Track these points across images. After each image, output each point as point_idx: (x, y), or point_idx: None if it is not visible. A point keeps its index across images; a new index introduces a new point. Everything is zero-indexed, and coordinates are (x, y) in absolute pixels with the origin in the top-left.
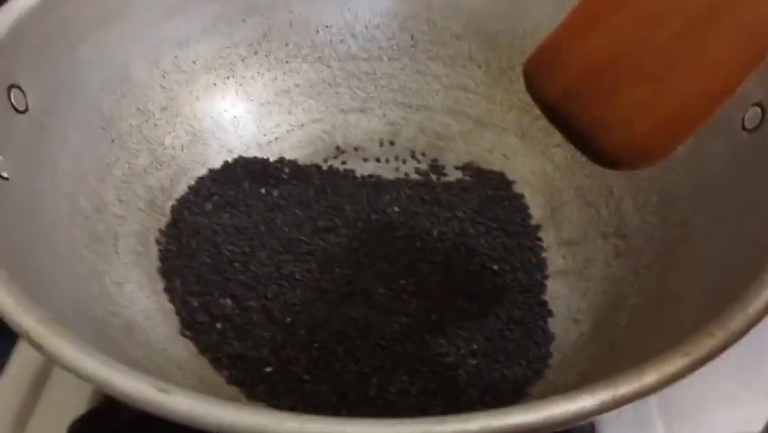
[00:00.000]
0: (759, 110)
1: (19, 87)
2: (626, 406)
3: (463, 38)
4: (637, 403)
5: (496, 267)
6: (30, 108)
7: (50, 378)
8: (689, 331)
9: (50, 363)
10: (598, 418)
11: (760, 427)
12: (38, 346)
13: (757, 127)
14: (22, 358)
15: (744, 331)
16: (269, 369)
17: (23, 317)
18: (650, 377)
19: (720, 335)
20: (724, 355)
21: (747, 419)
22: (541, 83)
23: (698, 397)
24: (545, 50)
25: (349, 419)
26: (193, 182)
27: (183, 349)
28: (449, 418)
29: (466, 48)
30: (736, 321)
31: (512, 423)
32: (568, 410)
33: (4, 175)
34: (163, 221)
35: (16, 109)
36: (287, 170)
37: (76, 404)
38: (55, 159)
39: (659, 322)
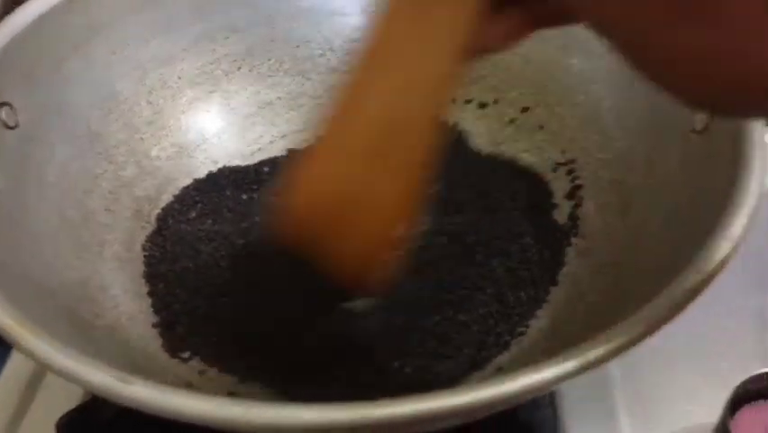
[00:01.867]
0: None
1: (9, 105)
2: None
3: None
4: (602, 396)
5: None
6: (20, 124)
7: (44, 380)
8: None
9: (42, 370)
10: (564, 409)
11: (716, 417)
12: (16, 344)
13: (705, 129)
14: (18, 362)
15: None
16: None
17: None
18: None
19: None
20: (684, 351)
21: (705, 410)
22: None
23: (659, 390)
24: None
25: (292, 405)
26: (178, 192)
27: (161, 349)
28: (381, 402)
29: None
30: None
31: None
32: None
33: None
34: (149, 228)
35: (7, 125)
36: (266, 170)
37: (67, 403)
38: (44, 171)
39: (614, 318)
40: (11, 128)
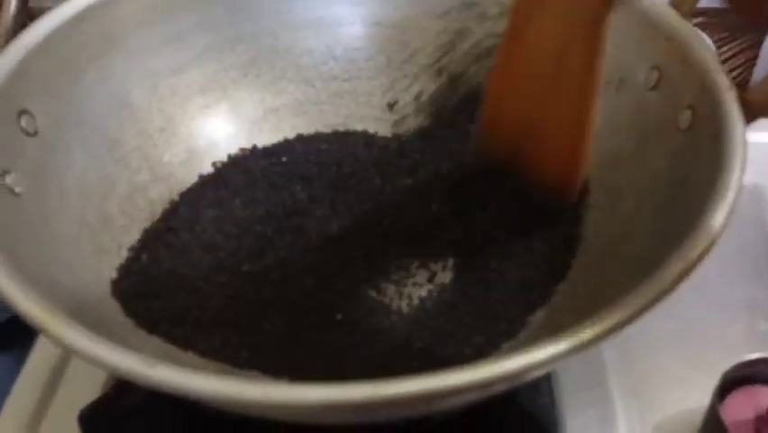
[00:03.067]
0: (690, 112)
1: (29, 113)
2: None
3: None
4: (597, 384)
5: None
6: (39, 131)
7: (66, 372)
8: None
9: (65, 359)
10: (561, 397)
11: (707, 402)
12: (44, 330)
13: (689, 128)
14: (41, 354)
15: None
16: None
17: (30, 306)
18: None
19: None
20: (676, 338)
21: (696, 396)
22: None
23: (652, 377)
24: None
25: (308, 385)
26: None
27: (179, 349)
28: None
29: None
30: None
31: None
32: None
33: (17, 191)
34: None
35: (27, 132)
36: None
37: (89, 395)
38: (63, 177)
39: (597, 311)
40: (31, 135)
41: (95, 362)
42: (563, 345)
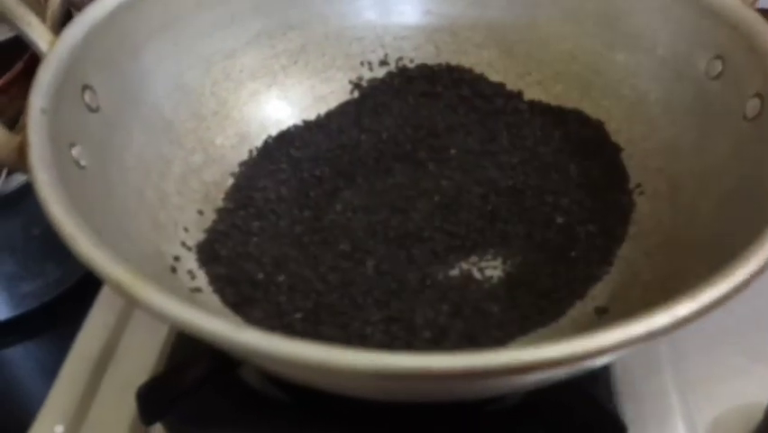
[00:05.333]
0: (759, 101)
1: (92, 89)
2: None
3: (483, 48)
4: (653, 376)
5: None
6: (101, 108)
7: (116, 353)
8: None
9: (116, 338)
10: (618, 388)
11: (766, 396)
12: (129, 295)
13: (757, 116)
14: (90, 334)
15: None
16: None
17: (115, 269)
18: (660, 318)
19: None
20: (734, 331)
21: (755, 390)
22: None
23: (709, 369)
24: None
25: (417, 353)
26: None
27: (239, 320)
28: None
29: (486, 56)
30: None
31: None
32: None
33: (82, 164)
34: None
35: (90, 108)
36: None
37: (141, 374)
38: (123, 155)
39: (668, 294)
40: (93, 111)
41: (185, 327)
42: (660, 320)
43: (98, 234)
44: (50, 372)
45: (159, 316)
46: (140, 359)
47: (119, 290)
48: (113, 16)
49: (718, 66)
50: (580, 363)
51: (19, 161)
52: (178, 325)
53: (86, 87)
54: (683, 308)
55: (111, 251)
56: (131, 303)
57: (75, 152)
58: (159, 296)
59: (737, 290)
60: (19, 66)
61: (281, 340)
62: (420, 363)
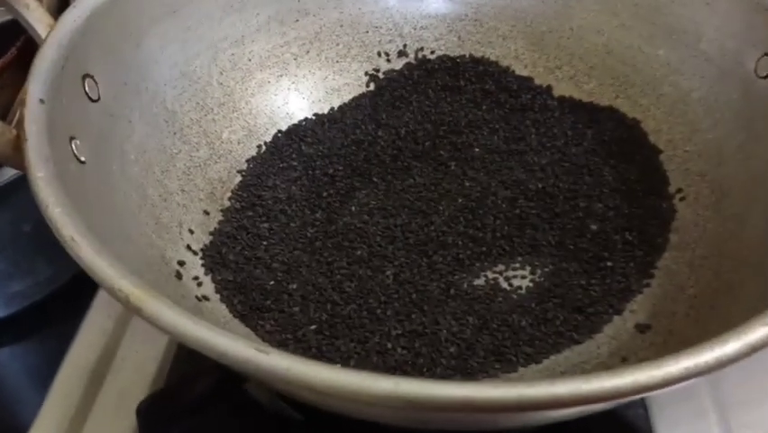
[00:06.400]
0: None
1: (92, 78)
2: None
3: (510, 38)
4: (690, 397)
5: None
6: (102, 98)
7: (113, 362)
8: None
9: (112, 348)
10: (654, 410)
11: None
12: (137, 309)
13: None
14: (85, 343)
15: None
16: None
17: (122, 282)
18: (732, 345)
19: None
20: None
21: None
22: None
23: (749, 391)
24: None
25: (443, 382)
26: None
27: (249, 332)
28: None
29: (513, 48)
30: None
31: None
32: (652, 376)
33: (82, 159)
34: (219, 212)
35: (90, 98)
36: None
37: (139, 387)
38: (124, 148)
39: (718, 311)
40: (94, 101)
41: (198, 346)
42: (732, 346)
43: (100, 237)
44: (43, 374)
45: (169, 332)
46: (140, 369)
47: (126, 304)
48: (112, 3)
49: None
50: (647, 392)
51: (14, 155)
52: (189, 343)
53: (86, 76)
54: (754, 334)
55: (115, 258)
56: (138, 317)
57: (74, 145)
58: (169, 312)
59: None
60: (12, 52)
61: (318, 367)
62: (470, 393)
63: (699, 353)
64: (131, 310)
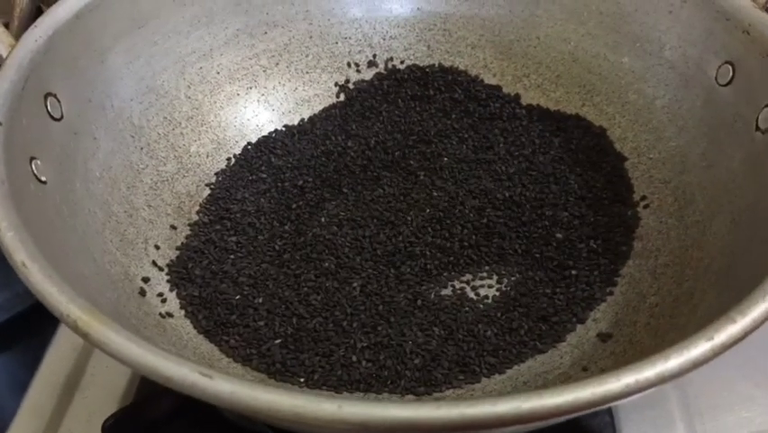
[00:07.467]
0: None
1: (55, 96)
2: (649, 391)
3: (478, 47)
4: (658, 403)
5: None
6: (65, 116)
7: (83, 378)
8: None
9: (82, 364)
10: (620, 416)
11: None
12: (84, 335)
13: None
14: (55, 358)
15: (763, 318)
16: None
17: (70, 306)
18: (673, 361)
19: (741, 320)
20: (739, 358)
21: (764, 419)
22: None
23: (715, 397)
24: None
25: (385, 402)
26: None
27: (213, 348)
28: (480, 400)
29: (481, 57)
30: (757, 309)
31: (540, 405)
32: (594, 393)
33: (42, 179)
34: (187, 226)
35: (52, 117)
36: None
37: (108, 403)
38: (88, 165)
39: (678, 320)
40: (56, 120)
41: (146, 372)
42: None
43: (59, 258)
44: (22, 387)
45: (116, 358)
46: (109, 384)
47: (75, 330)
48: (78, 17)
49: (729, 72)
50: (591, 408)
51: None
52: (135, 369)
53: (48, 95)
54: (696, 349)
55: (68, 282)
56: (86, 342)
57: (34, 166)
58: (116, 337)
59: (756, 327)
60: None
61: (251, 389)
62: (412, 415)
63: (639, 369)
64: (80, 336)
